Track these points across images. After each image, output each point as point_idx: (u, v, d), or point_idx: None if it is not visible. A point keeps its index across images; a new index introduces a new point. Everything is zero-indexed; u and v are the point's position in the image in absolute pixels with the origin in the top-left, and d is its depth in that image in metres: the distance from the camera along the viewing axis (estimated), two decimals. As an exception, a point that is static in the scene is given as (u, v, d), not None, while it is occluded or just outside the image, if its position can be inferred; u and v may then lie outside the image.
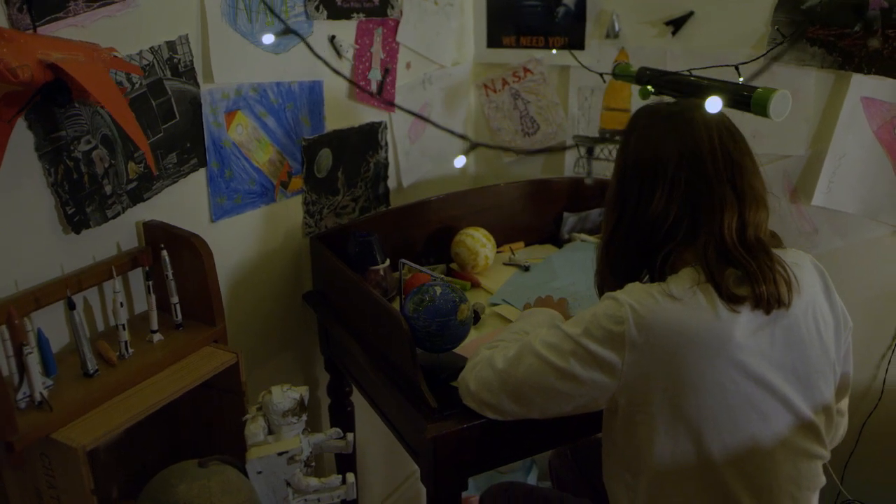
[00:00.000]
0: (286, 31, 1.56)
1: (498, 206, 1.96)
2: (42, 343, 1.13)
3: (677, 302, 1.08)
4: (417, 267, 1.50)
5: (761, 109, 1.52)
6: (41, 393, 1.08)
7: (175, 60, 1.35)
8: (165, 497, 1.06)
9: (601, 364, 1.10)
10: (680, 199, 1.14)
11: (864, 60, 1.80)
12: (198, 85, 1.40)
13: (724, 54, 1.93)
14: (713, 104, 0.79)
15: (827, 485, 1.32)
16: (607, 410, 1.19)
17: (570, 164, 2.24)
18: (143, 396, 1.16)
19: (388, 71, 1.87)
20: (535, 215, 2.02)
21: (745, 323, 1.08)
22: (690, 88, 1.69)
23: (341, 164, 1.80)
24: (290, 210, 1.71)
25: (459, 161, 0.90)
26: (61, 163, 1.19)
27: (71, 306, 1.14)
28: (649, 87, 1.78)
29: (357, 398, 1.82)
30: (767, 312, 1.10)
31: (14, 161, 1.11)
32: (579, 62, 2.05)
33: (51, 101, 1.08)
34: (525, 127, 2.25)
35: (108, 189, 1.27)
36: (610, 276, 1.24)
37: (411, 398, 1.34)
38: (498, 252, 1.92)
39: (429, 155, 2.14)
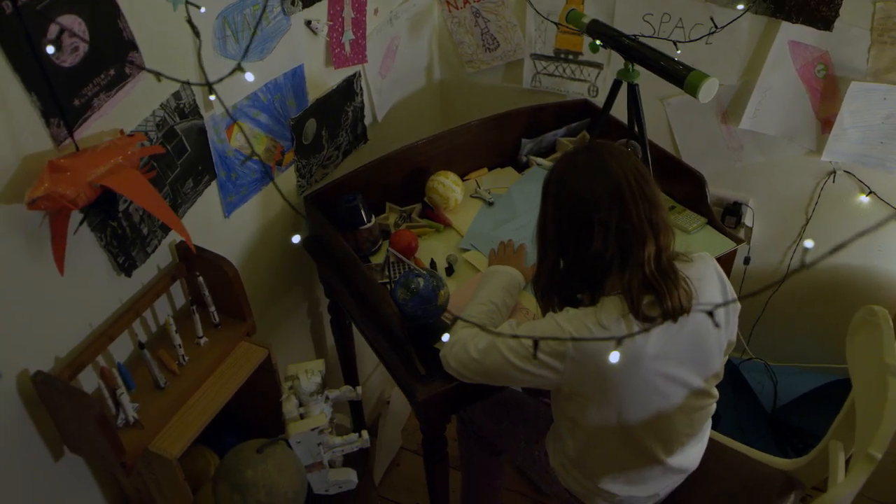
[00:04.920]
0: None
1: (465, 142, 2.20)
2: (123, 374, 1.47)
3: (606, 331, 1.42)
4: (401, 257, 1.81)
5: (692, 91, 1.77)
6: (133, 416, 1.45)
7: (181, 105, 1.53)
8: (238, 482, 1.48)
9: (548, 367, 1.47)
10: (613, 238, 1.43)
11: (794, 10, 1.98)
12: (201, 116, 1.59)
13: (671, -8, 2.09)
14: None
15: (736, 346, 1.74)
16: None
17: (527, 78, 2.44)
18: (207, 401, 1.53)
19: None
20: (496, 142, 2.27)
21: (656, 337, 1.44)
22: (633, 55, 1.89)
23: (324, 124, 2.01)
24: (286, 179, 1.95)
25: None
26: (108, 226, 1.44)
27: (141, 346, 1.47)
28: (598, 42, 1.97)
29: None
30: (675, 320, 1.46)
31: (73, 239, 1.37)
32: (535, 9, 2.17)
33: (102, 212, 1.33)
34: (486, 43, 2.40)
35: (145, 230, 1.53)
36: (554, 297, 1.56)
37: (403, 359, 1.72)
38: (464, 180, 2.20)
39: (399, 82, 2.32)
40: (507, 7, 2.30)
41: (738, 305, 1.63)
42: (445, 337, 1.50)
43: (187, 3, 1.20)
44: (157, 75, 0.99)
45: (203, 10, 1.28)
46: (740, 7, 1.90)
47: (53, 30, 1.22)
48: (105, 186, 1.28)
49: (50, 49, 1.12)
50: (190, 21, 1.20)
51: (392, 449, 2.65)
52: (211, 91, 0.98)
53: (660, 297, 1.42)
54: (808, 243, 0.81)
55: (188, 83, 1.34)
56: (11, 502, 1.39)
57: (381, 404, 2.76)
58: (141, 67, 1.40)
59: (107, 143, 1.33)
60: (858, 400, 1.65)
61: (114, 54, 1.35)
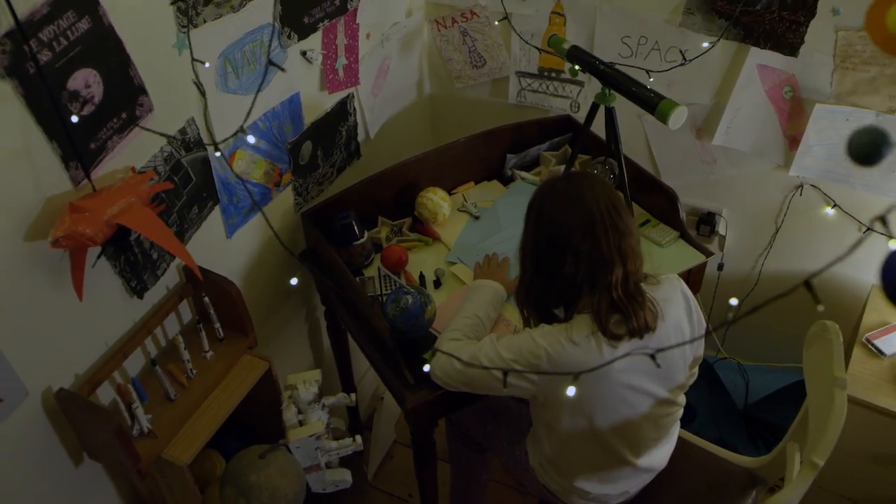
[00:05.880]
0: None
1: (454, 157, 2.32)
2: (137, 388, 1.61)
3: (577, 347, 1.56)
4: (390, 274, 1.95)
5: (662, 118, 1.89)
6: (147, 427, 1.59)
7: (187, 140, 1.65)
8: (243, 485, 1.62)
9: (525, 378, 1.62)
10: (584, 264, 1.57)
11: (762, 36, 2.10)
12: (205, 148, 1.72)
13: (646, 16, 2.21)
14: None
15: (712, 347, 1.84)
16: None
17: (513, 94, 2.56)
18: (214, 411, 1.67)
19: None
20: (483, 157, 2.39)
21: (623, 352, 1.58)
22: (609, 81, 2.01)
23: (319, 145, 2.14)
24: (284, 198, 2.08)
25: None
26: (121, 254, 1.57)
27: (153, 363, 1.61)
28: (577, 67, 2.09)
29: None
30: (641, 338, 1.59)
31: (91, 270, 1.50)
32: (520, 36, 2.29)
33: (117, 247, 1.46)
34: (473, 60, 2.52)
35: (154, 255, 1.66)
36: (532, 310, 1.70)
37: (394, 368, 1.86)
38: (451, 194, 2.33)
39: (390, 98, 2.44)
40: (492, 28, 2.41)
41: (704, 324, 1.76)
42: (426, 368, 1.63)
43: (193, 59, 1.32)
44: (169, 139, 1.10)
45: (207, 65, 1.41)
46: (705, 45, 2.03)
47: (72, 84, 1.34)
48: (120, 224, 1.41)
49: (74, 119, 1.25)
50: (196, 82, 1.32)
51: (386, 443, 2.80)
52: (217, 149, 1.10)
53: (626, 317, 1.56)
54: (733, 301, 0.94)
55: (203, 144, 1.46)
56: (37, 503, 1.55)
57: (376, 400, 2.91)
58: (151, 130, 1.53)
59: (120, 183, 1.46)
60: (811, 407, 1.80)
61: (125, 99, 1.48)
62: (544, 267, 1.62)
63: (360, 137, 2.34)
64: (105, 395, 1.61)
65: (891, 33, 0.90)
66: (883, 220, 0.75)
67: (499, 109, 2.60)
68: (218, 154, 1.31)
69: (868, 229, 2.25)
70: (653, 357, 0.98)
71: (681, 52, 2.07)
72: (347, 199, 2.16)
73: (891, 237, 0.73)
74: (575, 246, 1.54)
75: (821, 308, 0.82)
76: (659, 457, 1.84)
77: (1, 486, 1.44)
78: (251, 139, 1.15)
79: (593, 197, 1.55)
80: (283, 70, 1.71)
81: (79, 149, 1.40)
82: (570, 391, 1.06)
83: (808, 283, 0.82)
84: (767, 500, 1.61)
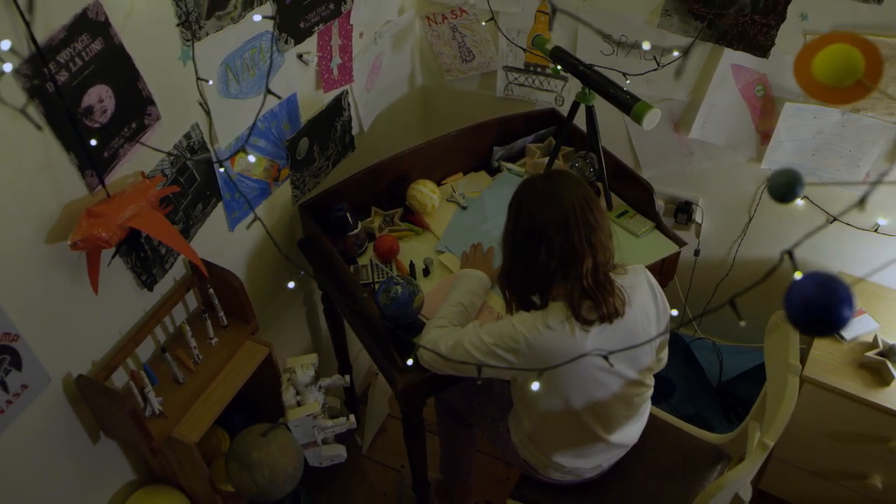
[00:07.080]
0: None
1: (444, 150, 2.45)
2: (149, 373, 1.76)
3: (552, 331, 1.70)
4: (381, 265, 2.08)
5: (637, 119, 2.01)
6: (158, 409, 1.74)
7: (192, 144, 1.78)
8: (246, 461, 1.78)
9: (504, 360, 1.76)
10: (556, 255, 1.71)
11: (735, 38, 2.21)
12: (209, 150, 1.84)
13: (627, 17, 2.32)
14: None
15: (687, 326, 1.96)
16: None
17: (500, 87, 2.67)
18: (219, 393, 1.82)
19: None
20: (472, 149, 2.51)
21: (594, 335, 1.72)
22: (589, 82, 2.13)
23: (315, 140, 2.26)
24: (282, 192, 2.21)
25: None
26: (133, 252, 1.71)
27: (162, 350, 1.75)
28: (559, 68, 2.21)
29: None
30: (611, 322, 1.74)
31: (105, 267, 1.64)
32: (506, 36, 2.39)
33: (131, 247, 1.59)
34: (463, 55, 2.63)
35: (163, 251, 1.79)
36: (513, 294, 1.84)
37: (385, 352, 2.01)
38: (441, 185, 2.46)
39: (383, 92, 2.55)
40: (481, 25, 2.52)
41: (668, 310, 1.90)
42: (409, 362, 1.77)
43: (198, 79, 1.44)
44: (171, 151, 1.23)
45: (211, 82, 1.52)
46: (675, 54, 2.14)
47: (87, 100, 1.47)
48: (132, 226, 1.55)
49: (93, 142, 1.37)
50: (201, 102, 1.43)
51: (380, 417, 2.96)
52: (221, 165, 1.23)
53: (597, 303, 1.70)
54: (674, 312, 1.08)
55: (206, 147, 1.58)
56: (60, 477, 1.70)
57: (371, 376, 3.06)
58: (155, 148, 1.66)
59: (132, 188, 1.59)
60: (769, 390, 1.95)
61: (135, 111, 1.60)
62: (521, 256, 1.75)
63: (355, 131, 2.46)
64: (119, 379, 1.76)
65: (815, 79, 1.03)
66: (790, 254, 0.88)
67: (487, 101, 2.71)
68: (222, 171, 1.42)
69: (834, 219, 2.39)
70: (606, 358, 1.12)
71: (654, 57, 2.18)
72: (342, 191, 2.29)
73: (796, 269, 0.85)
74: (549, 238, 1.68)
75: (742, 324, 0.95)
76: (630, 433, 2.00)
77: (27, 462, 1.60)
78: (252, 159, 1.27)
79: (569, 195, 1.68)
80: (279, 98, 1.85)
81: (93, 158, 1.53)
82: (535, 386, 1.21)
83: (731, 302, 0.96)
84: (725, 474, 1.77)
